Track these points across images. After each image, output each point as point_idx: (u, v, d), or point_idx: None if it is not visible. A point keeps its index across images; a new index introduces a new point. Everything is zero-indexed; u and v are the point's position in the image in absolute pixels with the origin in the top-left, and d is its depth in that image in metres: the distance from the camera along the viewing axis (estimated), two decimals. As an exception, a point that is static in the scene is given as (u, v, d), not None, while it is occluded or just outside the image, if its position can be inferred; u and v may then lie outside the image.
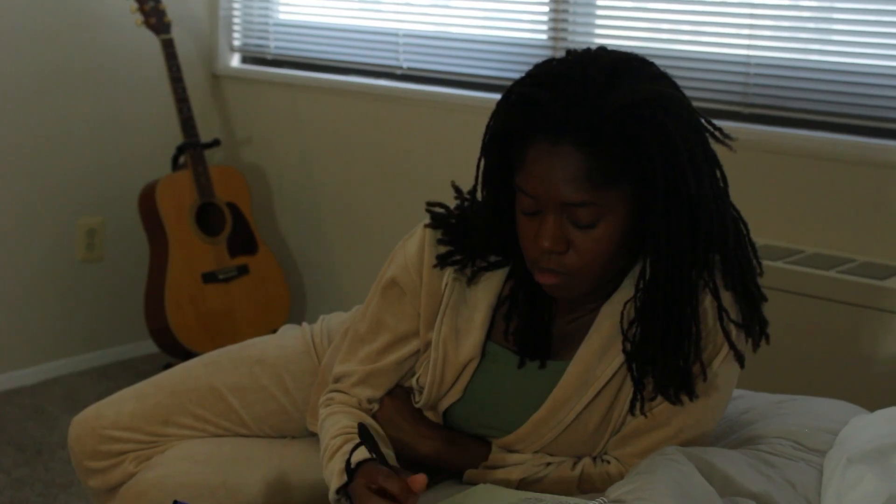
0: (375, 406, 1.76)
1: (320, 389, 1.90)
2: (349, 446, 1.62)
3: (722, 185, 1.58)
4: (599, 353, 1.63)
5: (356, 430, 1.64)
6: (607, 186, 1.49)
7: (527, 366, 1.68)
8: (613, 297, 1.64)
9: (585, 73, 1.50)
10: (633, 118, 1.47)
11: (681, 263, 1.53)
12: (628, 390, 1.64)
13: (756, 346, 1.64)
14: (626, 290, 1.62)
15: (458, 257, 1.67)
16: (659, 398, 1.62)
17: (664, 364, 1.57)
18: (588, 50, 1.58)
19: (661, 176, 1.48)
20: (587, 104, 1.47)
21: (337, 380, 1.79)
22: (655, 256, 1.54)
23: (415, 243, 1.71)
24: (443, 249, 1.68)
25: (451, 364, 1.69)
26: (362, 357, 1.76)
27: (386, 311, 1.74)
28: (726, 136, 1.60)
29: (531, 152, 1.51)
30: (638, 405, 1.62)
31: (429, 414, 1.75)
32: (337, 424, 1.70)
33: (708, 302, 1.59)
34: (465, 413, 1.73)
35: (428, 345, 1.71)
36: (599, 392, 1.64)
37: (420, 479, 1.47)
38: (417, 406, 1.75)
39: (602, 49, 1.59)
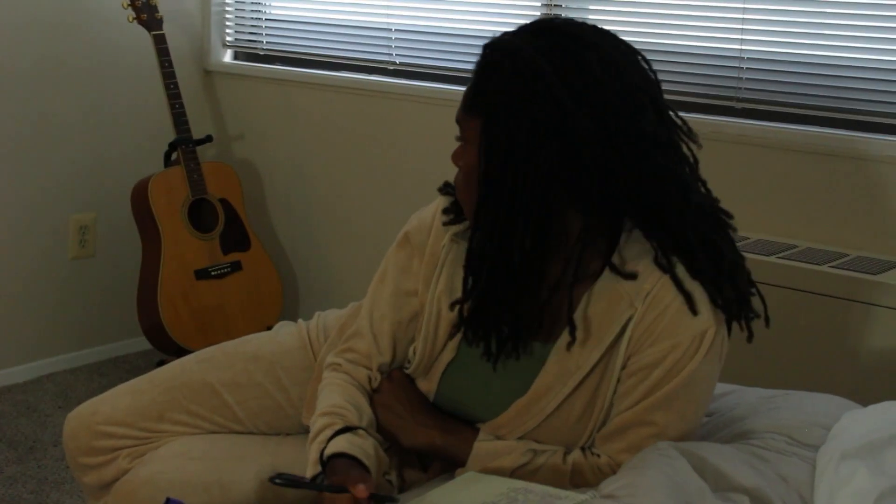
0: (377, 379, 1.79)
1: (316, 386, 1.90)
2: (329, 432, 1.68)
3: (645, 154, 1.59)
4: (581, 340, 1.65)
5: (344, 410, 1.72)
6: (472, 113, 1.61)
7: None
8: (595, 286, 1.65)
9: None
10: (503, 51, 1.59)
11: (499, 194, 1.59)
12: (609, 381, 1.65)
13: (740, 324, 1.65)
14: (606, 279, 1.64)
15: (459, 220, 1.74)
16: (638, 394, 1.63)
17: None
18: None
19: (503, 110, 1.57)
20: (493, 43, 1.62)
21: (346, 340, 1.84)
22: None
23: (432, 206, 1.80)
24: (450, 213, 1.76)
25: (444, 320, 1.73)
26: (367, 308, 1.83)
27: (394, 265, 1.81)
28: (686, 122, 1.65)
29: None
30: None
31: (423, 383, 1.78)
32: (328, 400, 1.75)
33: (660, 281, 1.61)
34: (458, 380, 1.75)
35: (424, 306, 1.75)
36: (582, 381, 1.66)
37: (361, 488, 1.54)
38: (409, 371, 1.78)
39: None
